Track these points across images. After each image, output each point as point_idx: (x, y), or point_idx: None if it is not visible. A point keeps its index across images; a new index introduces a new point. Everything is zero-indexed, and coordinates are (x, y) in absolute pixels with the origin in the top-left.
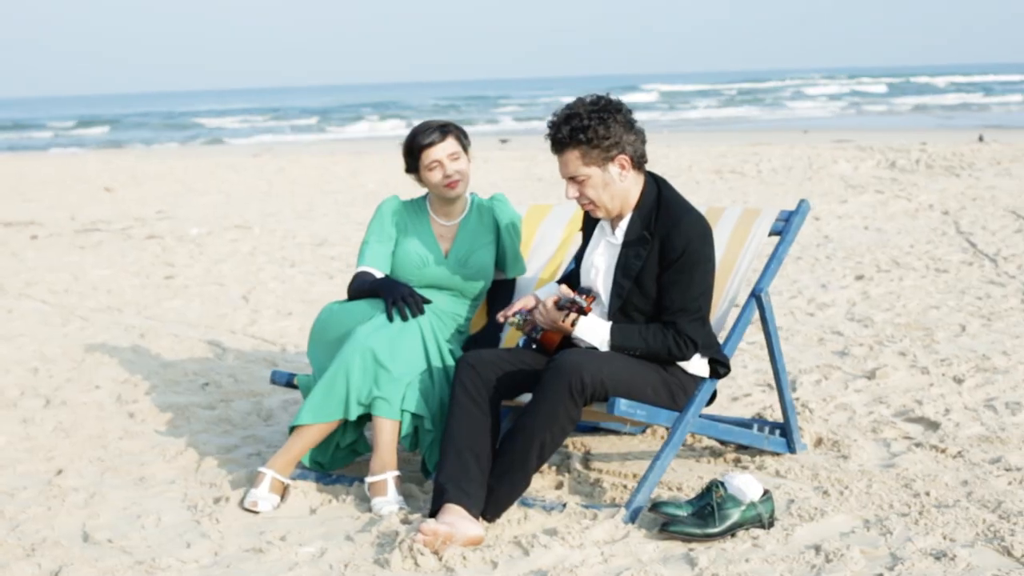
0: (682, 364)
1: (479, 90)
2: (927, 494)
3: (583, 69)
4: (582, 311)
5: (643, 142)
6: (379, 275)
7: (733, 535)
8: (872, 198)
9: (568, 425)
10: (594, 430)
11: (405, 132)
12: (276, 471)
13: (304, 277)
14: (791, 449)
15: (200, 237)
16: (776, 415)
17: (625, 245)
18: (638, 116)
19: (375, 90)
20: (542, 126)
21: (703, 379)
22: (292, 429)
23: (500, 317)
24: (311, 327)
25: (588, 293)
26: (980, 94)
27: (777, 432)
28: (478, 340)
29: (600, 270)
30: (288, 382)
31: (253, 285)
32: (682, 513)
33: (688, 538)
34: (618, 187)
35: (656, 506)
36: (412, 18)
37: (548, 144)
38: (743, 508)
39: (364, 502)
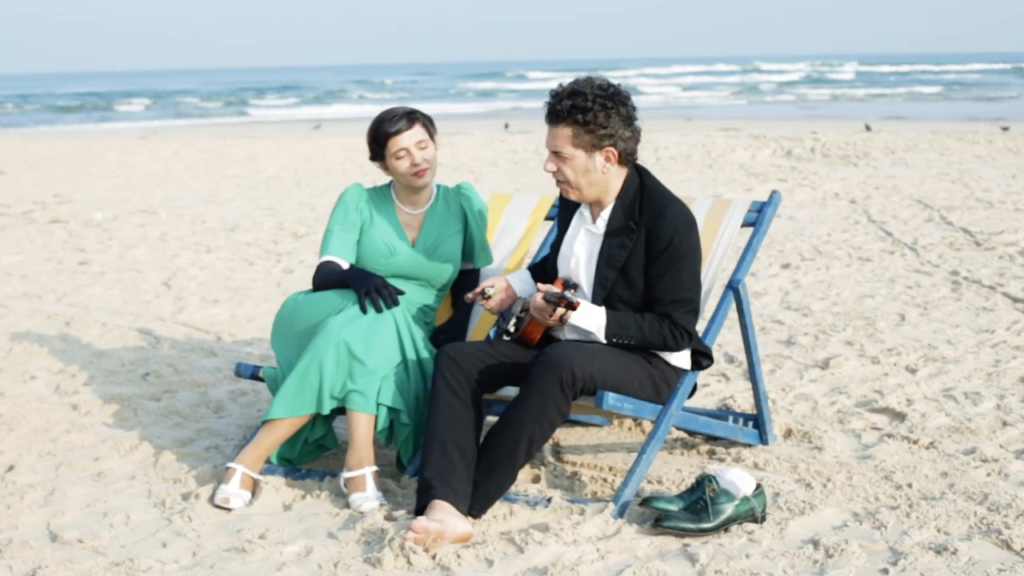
0: (665, 356)
1: (358, 75)
2: (909, 486)
3: (430, 56)
4: (571, 306)
5: (637, 141)
6: (344, 265)
7: (727, 530)
8: (776, 186)
9: (557, 419)
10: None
11: (290, 116)
12: (246, 466)
13: (223, 263)
14: (763, 441)
15: (106, 222)
16: (737, 405)
17: (608, 235)
18: (512, 101)
19: (248, 74)
20: (438, 109)
21: (685, 371)
22: (262, 423)
23: (469, 296)
24: (275, 318)
25: (573, 287)
26: (862, 84)
27: (750, 424)
28: (445, 331)
29: (581, 259)
30: (253, 375)
31: (172, 271)
32: (673, 508)
33: (682, 533)
34: (598, 176)
35: (647, 501)
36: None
37: (545, 113)
38: (736, 502)
39: (340, 498)
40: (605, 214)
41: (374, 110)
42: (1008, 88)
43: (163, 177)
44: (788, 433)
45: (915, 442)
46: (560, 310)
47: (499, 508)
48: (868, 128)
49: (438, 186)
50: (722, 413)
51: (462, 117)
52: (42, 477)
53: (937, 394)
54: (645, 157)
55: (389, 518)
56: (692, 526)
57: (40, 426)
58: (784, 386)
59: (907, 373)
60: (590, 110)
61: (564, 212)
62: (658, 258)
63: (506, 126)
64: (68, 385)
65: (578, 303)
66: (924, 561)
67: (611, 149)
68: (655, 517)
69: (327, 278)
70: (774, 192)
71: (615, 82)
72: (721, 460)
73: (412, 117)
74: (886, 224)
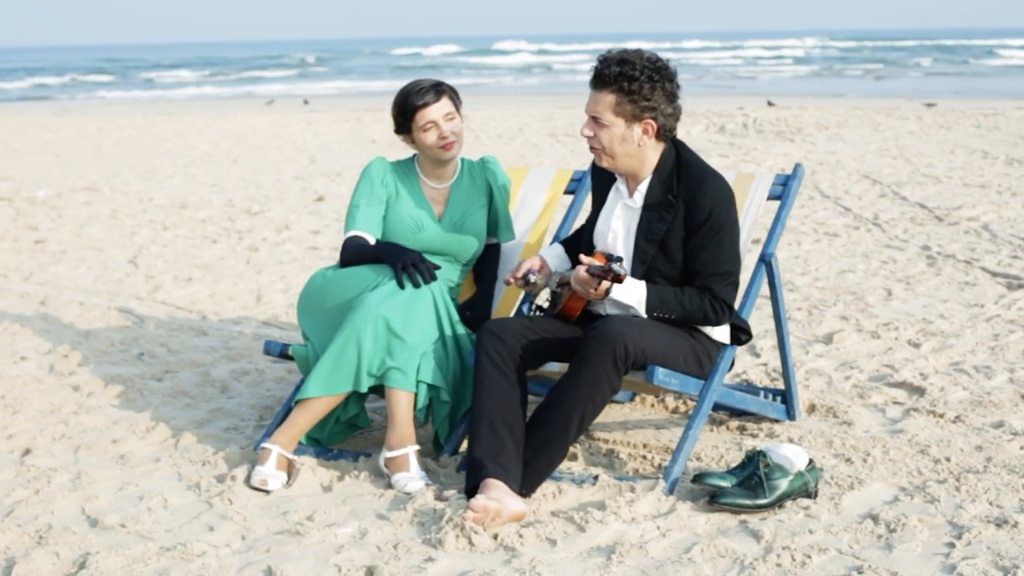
0: (707, 330)
1: (264, 50)
2: (947, 459)
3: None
4: (618, 279)
5: (677, 119)
6: (371, 240)
7: (781, 506)
8: (720, 162)
9: (609, 394)
10: None
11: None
12: (281, 447)
13: (184, 241)
14: (791, 416)
15: (51, 199)
16: (751, 380)
17: (646, 209)
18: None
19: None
20: (345, 87)
21: (725, 345)
22: (296, 402)
23: (508, 279)
24: (301, 295)
25: (618, 259)
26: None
27: (778, 399)
28: (470, 307)
29: (619, 234)
30: (282, 352)
31: (134, 250)
32: (726, 484)
33: (738, 509)
34: (633, 148)
35: (699, 478)
36: None
37: (590, 78)
38: (791, 478)
39: (380, 478)
40: (643, 188)
41: (289, 88)
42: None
43: (94, 154)
44: (812, 408)
45: (941, 416)
46: (605, 283)
47: (547, 486)
48: (770, 104)
49: (462, 160)
50: (753, 389)
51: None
52: (62, 460)
53: (948, 368)
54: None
55: (439, 498)
56: (748, 502)
57: (45, 408)
58: (794, 361)
59: (911, 348)
60: (636, 79)
61: (598, 187)
62: (697, 231)
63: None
64: (62, 366)
65: (625, 275)
66: (987, 535)
67: (651, 122)
68: (709, 494)
69: (357, 253)
70: (798, 165)
71: (664, 57)
72: (754, 436)
73: (439, 89)
74: (841, 199)
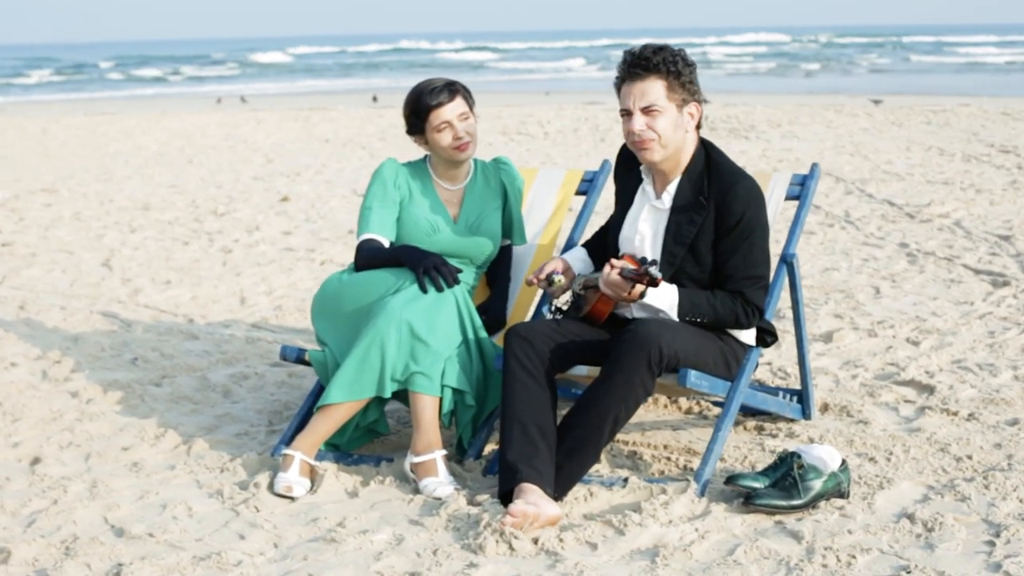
0: (735, 332)
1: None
2: (969, 458)
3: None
4: (654, 282)
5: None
6: (386, 243)
7: (815, 506)
8: None
9: (643, 397)
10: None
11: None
12: (304, 453)
13: (155, 243)
14: (807, 416)
15: (8, 201)
16: (759, 379)
17: (675, 211)
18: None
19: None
20: (272, 88)
21: (751, 347)
22: (318, 408)
23: (531, 279)
24: (315, 299)
25: (652, 263)
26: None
27: (794, 399)
28: (485, 310)
29: (647, 237)
30: (299, 358)
31: (106, 252)
32: (760, 485)
33: (773, 511)
34: (681, 135)
35: (732, 479)
36: None
37: (626, 72)
38: (824, 478)
39: (405, 483)
40: (671, 189)
41: (218, 89)
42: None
43: (42, 155)
44: (825, 408)
45: (955, 414)
46: (640, 287)
47: (578, 490)
48: (706, 101)
49: (475, 161)
50: (772, 389)
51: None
52: (74, 469)
53: (952, 366)
54: (532, 131)
55: (473, 503)
56: (783, 503)
57: (46, 415)
58: (794, 360)
59: (911, 346)
60: (679, 62)
61: (623, 188)
62: (729, 234)
63: (374, 99)
64: (56, 372)
65: (660, 279)
66: None
67: (697, 105)
68: (743, 495)
69: (374, 256)
70: (815, 165)
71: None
72: (773, 436)
73: (453, 88)
74: None
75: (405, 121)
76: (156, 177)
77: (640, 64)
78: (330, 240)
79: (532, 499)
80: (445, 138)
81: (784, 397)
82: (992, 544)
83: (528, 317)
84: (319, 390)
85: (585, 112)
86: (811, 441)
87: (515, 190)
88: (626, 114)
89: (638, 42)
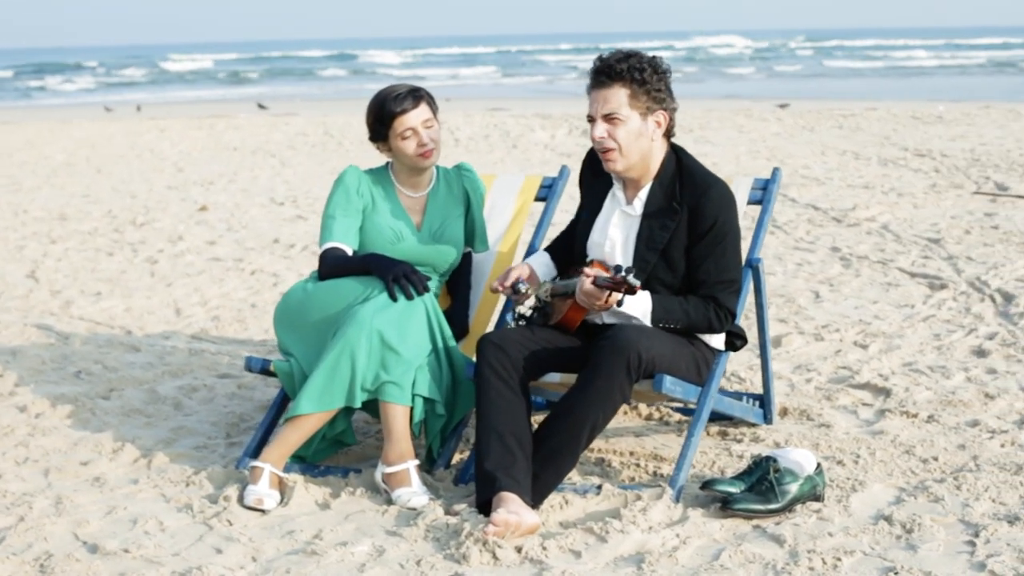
0: (705, 337)
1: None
2: (935, 459)
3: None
4: (632, 291)
5: (675, 115)
6: (349, 251)
7: (792, 510)
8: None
9: (620, 404)
10: (547, 407)
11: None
12: (273, 465)
13: (78, 254)
14: (767, 420)
15: None
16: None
17: (647, 216)
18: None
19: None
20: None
21: (720, 352)
22: (286, 419)
23: (496, 287)
24: (279, 309)
25: (628, 270)
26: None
27: (756, 403)
28: (448, 319)
29: (617, 242)
30: (264, 369)
31: (28, 264)
32: (735, 490)
33: (751, 515)
34: (646, 144)
35: (708, 485)
36: None
37: (593, 78)
38: (801, 482)
39: (377, 493)
40: (642, 195)
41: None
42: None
43: None
44: (784, 412)
45: (914, 416)
46: (617, 295)
47: (553, 497)
48: (673, 109)
49: (437, 167)
50: (736, 394)
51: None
52: (35, 484)
53: (904, 369)
54: (443, 138)
55: (450, 513)
56: (761, 507)
57: None
58: (749, 365)
59: (860, 349)
60: (646, 70)
61: (591, 193)
62: (702, 239)
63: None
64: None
65: (638, 287)
66: (1003, 532)
67: (663, 113)
68: (720, 500)
69: (340, 265)
70: (776, 169)
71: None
72: (738, 441)
73: (417, 95)
74: None
75: (368, 128)
76: (67, 187)
77: (605, 71)
78: (256, 250)
79: (513, 508)
80: (410, 145)
81: (747, 401)
82: (972, 544)
83: (491, 325)
84: (283, 401)
85: (494, 119)
86: (777, 445)
87: (478, 196)
88: (591, 120)
89: (536, 47)
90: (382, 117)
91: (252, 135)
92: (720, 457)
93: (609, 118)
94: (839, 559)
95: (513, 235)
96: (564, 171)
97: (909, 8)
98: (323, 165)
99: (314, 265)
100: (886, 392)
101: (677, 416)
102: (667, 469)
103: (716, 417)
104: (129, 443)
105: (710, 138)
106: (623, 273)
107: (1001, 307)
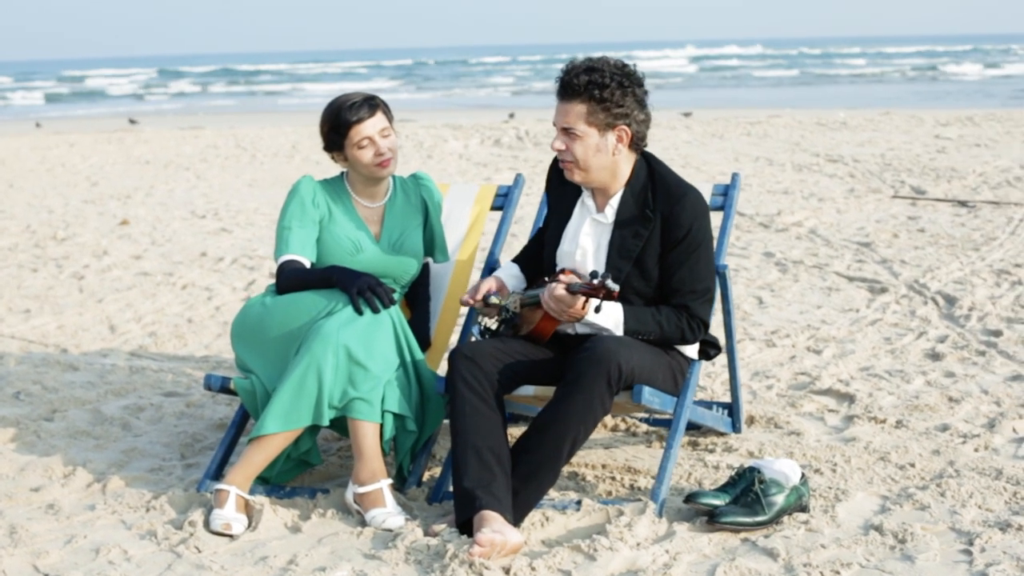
0: (680, 347)
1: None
2: (912, 465)
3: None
4: (610, 296)
5: (648, 125)
6: (307, 263)
7: (779, 521)
8: (508, 175)
9: (601, 416)
10: (514, 419)
11: None
12: (239, 487)
13: (2, 271)
14: (736, 429)
15: None
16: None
17: (619, 225)
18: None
19: None
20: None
21: (694, 361)
22: (251, 440)
23: (466, 299)
24: (236, 324)
25: (604, 277)
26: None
27: (725, 412)
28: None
29: (588, 251)
30: (223, 387)
31: None
32: (720, 503)
33: (738, 528)
34: (607, 159)
35: (691, 498)
36: None
37: (557, 89)
38: (787, 492)
39: (348, 515)
40: (614, 202)
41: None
42: None
43: None
44: (751, 420)
45: (883, 422)
46: (595, 301)
47: (532, 514)
48: (512, 116)
49: (393, 177)
50: (706, 403)
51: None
52: None
53: (862, 374)
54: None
55: (430, 533)
56: (748, 520)
57: None
58: (706, 372)
59: (814, 355)
60: (607, 87)
61: (559, 201)
62: (675, 247)
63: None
64: None
65: (616, 292)
66: (997, 540)
67: (624, 129)
68: (704, 513)
69: (299, 278)
70: (735, 174)
71: (630, 63)
72: (710, 451)
73: (373, 103)
74: None
75: (323, 138)
76: None
77: (566, 85)
78: (184, 263)
79: (496, 527)
80: (366, 155)
81: (716, 410)
82: (968, 553)
83: (454, 336)
84: (243, 419)
85: (404, 129)
86: (751, 455)
87: (435, 205)
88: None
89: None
90: (337, 126)
91: (162, 148)
92: (695, 468)
93: (567, 132)
94: (837, 572)
95: (471, 245)
96: (519, 179)
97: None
98: (239, 178)
99: (246, 278)
100: (850, 398)
101: (644, 427)
102: (643, 482)
103: (689, 426)
104: (80, 467)
105: None
106: (600, 278)
107: (945, 310)
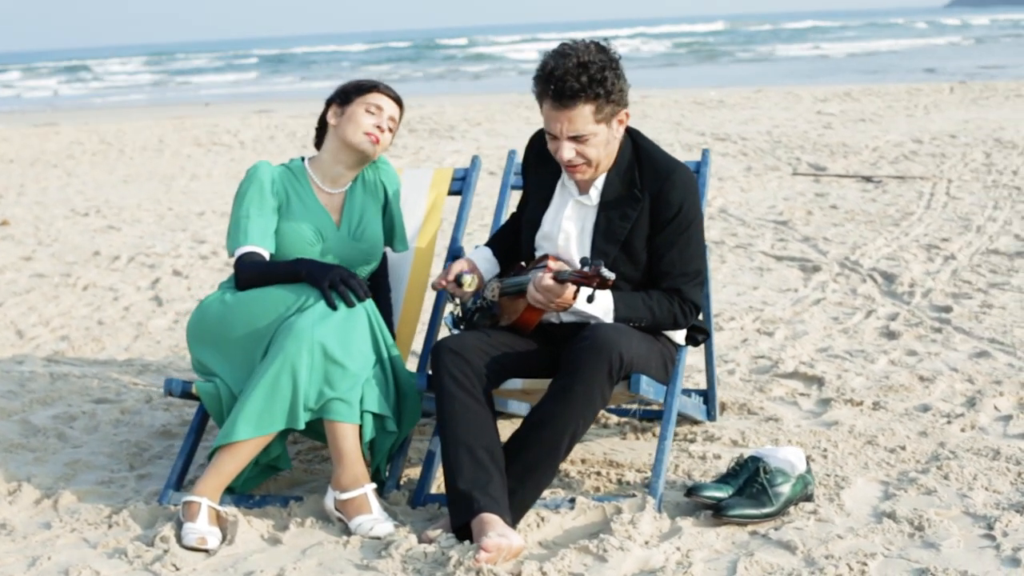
0: (669, 332)
1: None
2: (903, 448)
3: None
4: (605, 284)
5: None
6: (266, 255)
7: (786, 512)
8: (396, 163)
9: (601, 408)
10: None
11: None
12: (210, 499)
13: None
14: (711, 416)
15: None
16: None
17: (604, 206)
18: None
19: None
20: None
21: (681, 347)
22: (220, 447)
23: (437, 283)
24: (193, 324)
25: (592, 263)
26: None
27: (700, 399)
28: None
29: (572, 235)
30: (185, 392)
31: None
32: (723, 495)
33: (746, 520)
34: (614, 146)
35: (693, 491)
36: None
37: (549, 95)
38: (793, 481)
39: (328, 523)
40: (599, 184)
41: None
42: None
43: None
44: (723, 407)
45: (859, 404)
46: (586, 290)
47: (527, 514)
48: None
49: None
50: (686, 391)
51: None
52: None
53: (822, 356)
54: (227, 141)
55: (425, 540)
56: (755, 512)
57: None
58: None
59: (766, 337)
60: (606, 78)
61: (538, 183)
62: (665, 228)
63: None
64: None
65: (611, 280)
66: (1016, 523)
67: (624, 111)
68: (709, 507)
69: (263, 272)
70: (706, 151)
71: (600, 40)
72: (691, 440)
73: (398, 97)
74: None
75: (338, 90)
76: None
77: (564, 93)
78: (79, 263)
79: (499, 530)
80: (367, 120)
81: (693, 398)
82: (992, 538)
83: (418, 328)
84: (201, 424)
85: (272, 120)
86: (734, 443)
87: (394, 192)
88: (552, 137)
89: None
90: (361, 86)
91: (24, 146)
92: (680, 459)
93: (577, 139)
94: (864, 564)
95: (429, 232)
96: (476, 161)
97: None
98: (112, 174)
99: (149, 277)
100: (819, 380)
101: (615, 419)
102: (629, 476)
103: (655, 416)
104: (24, 482)
105: (500, 130)
106: (592, 265)
107: (884, 287)
